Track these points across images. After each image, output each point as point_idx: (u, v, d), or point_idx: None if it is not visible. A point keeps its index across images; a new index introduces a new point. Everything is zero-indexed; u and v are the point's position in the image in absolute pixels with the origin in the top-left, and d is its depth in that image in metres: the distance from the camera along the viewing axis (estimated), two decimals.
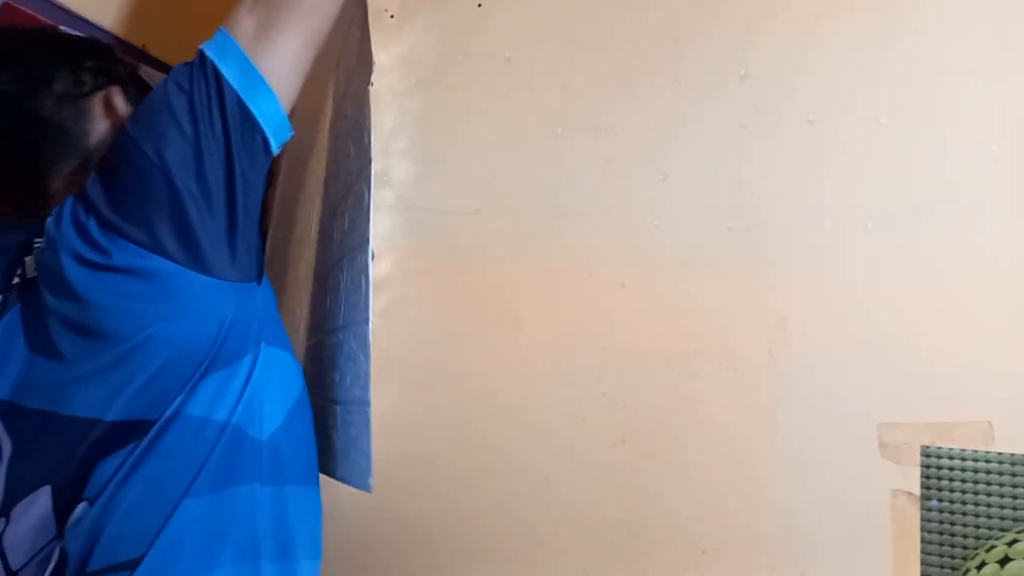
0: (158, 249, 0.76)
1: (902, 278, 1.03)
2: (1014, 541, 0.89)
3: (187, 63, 0.87)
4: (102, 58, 0.92)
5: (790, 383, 1.06)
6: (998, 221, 1.01)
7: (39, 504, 0.70)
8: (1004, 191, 1.01)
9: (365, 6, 1.10)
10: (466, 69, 1.28)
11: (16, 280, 0.81)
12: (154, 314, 0.74)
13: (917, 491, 0.99)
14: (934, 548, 0.97)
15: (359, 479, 1.04)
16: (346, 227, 1.17)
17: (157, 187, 0.77)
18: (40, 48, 0.89)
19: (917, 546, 0.98)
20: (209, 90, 0.82)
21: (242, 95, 0.83)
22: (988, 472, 0.96)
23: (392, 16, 1.13)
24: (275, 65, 0.87)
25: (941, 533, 0.97)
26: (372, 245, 1.00)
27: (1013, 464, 0.95)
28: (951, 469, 0.98)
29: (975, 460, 0.97)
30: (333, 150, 1.17)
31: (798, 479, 1.04)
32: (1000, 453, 0.96)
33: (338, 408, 1.16)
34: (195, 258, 0.78)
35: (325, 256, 1.28)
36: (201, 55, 0.85)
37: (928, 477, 0.99)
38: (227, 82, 0.82)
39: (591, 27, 1.27)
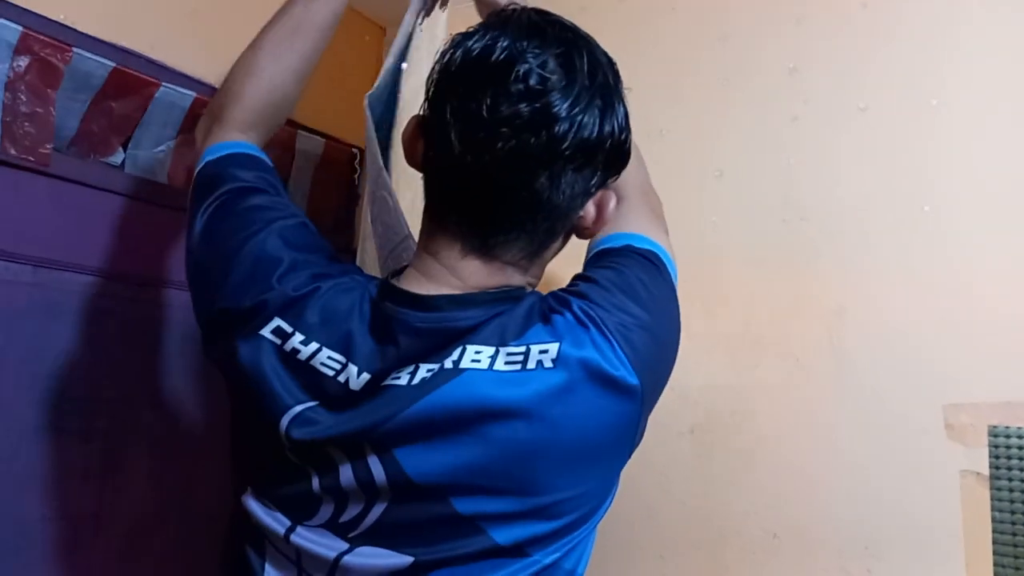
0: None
1: (960, 258, 1.03)
2: None
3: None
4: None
5: (851, 369, 1.07)
6: None
7: (395, 561, 0.70)
8: None
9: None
10: None
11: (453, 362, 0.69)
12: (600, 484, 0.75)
13: (986, 471, 0.99)
14: (1005, 527, 0.97)
15: None
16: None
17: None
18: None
19: (988, 525, 0.98)
20: None
21: None
22: None
23: None
24: None
25: (1012, 512, 0.97)
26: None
27: None
28: (1020, 448, 0.98)
29: None
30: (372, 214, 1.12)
31: (865, 463, 1.06)
32: None
33: None
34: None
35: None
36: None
37: (997, 457, 0.99)
38: None
39: (641, 31, 1.31)
